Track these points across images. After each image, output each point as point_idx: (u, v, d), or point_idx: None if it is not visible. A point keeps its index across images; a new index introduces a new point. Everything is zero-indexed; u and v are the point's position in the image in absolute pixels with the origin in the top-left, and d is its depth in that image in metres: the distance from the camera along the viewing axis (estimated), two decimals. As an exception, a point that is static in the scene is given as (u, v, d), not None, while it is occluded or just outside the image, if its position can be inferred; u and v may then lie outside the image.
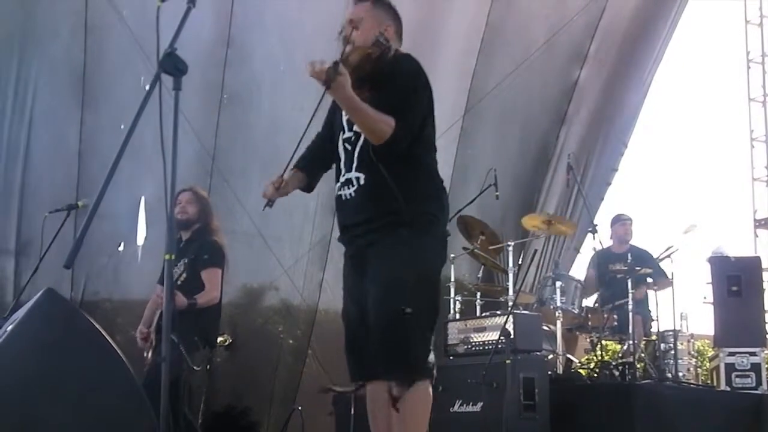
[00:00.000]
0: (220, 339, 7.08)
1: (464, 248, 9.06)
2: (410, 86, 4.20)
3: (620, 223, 10.24)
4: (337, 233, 4.51)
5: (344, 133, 4.34)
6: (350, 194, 4.25)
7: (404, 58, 4.31)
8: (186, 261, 6.72)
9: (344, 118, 4.33)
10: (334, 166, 4.46)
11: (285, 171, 4.41)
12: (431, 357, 4.12)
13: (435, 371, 4.15)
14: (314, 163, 4.55)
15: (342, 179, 4.31)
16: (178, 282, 6.57)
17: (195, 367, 6.30)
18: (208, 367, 6.65)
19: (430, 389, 4.15)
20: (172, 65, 3.43)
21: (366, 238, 4.20)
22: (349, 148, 4.28)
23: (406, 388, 3.98)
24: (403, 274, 4.02)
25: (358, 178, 4.21)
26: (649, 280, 9.37)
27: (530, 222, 9.24)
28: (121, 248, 9.80)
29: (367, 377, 4.20)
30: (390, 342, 3.96)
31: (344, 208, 4.34)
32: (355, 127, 4.24)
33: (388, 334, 3.96)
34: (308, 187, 4.61)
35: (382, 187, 4.09)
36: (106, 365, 3.76)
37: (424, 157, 4.28)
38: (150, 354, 6.57)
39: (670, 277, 9.25)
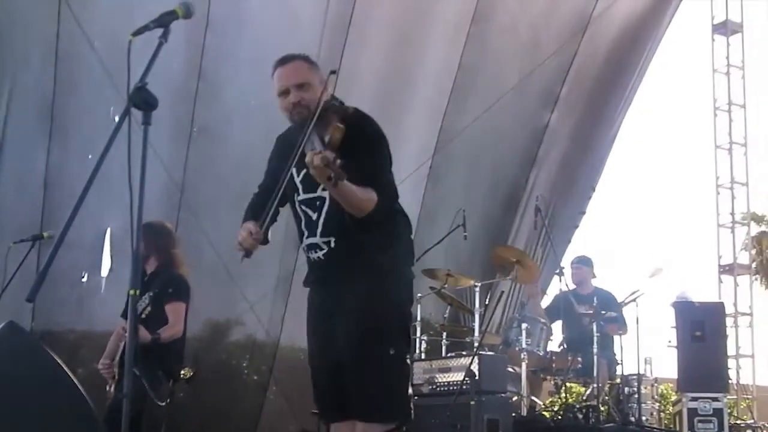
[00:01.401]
0: (182, 372, 7.01)
1: (431, 288, 9.05)
2: (377, 152, 4.17)
3: (571, 266, 10.13)
4: (299, 266, 4.49)
5: (299, 194, 4.25)
6: (320, 257, 4.21)
7: (365, 121, 4.22)
8: (150, 295, 6.65)
9: (298, 179, 4.23)
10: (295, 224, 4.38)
11: (264, 222, 4.28)
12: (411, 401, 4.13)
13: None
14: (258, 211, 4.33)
15: (307, 242, 4.25)
16: (143, 315, 6.48)
17: (159, 402, 6.23)
18: (169, 401, 6.57)
19: None
20: (142, 100, 3.42)
21: (338, 287, 4.17)
22: (311, 211, 4.22)
23: (386, 430, 3.97)
24: (382, 318, 4.03)
25: (327, 242, 4.17)
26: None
27: (501, 254, 9.23)
28: (84, 279, 9.73)
29: (340, 417, 4.16)
30: (381, 385, 3.97)
31: (315, 269, 4.29)
32: (319, 191, 4.16)
33: (378, 378, 3.96)
34: (265, 241, 4.53)
35: (355, 247, 4.09)
36: (67, 400, 3.71)
37: (393, 213, 4.26)
38: (112, 388, 6.49)
39: (626, 325, 9.32)
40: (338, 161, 3.64)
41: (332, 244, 4.16)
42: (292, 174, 4.22)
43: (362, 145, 4.06)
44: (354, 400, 4.02)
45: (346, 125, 3.95)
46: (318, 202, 4.20)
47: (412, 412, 4.19)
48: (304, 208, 4.25)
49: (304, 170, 4.04)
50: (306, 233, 4.26)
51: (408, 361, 4.23)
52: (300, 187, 4.25)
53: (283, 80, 4.19)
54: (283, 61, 4.26)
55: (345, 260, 4.14)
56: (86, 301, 9.76)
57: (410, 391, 4.22)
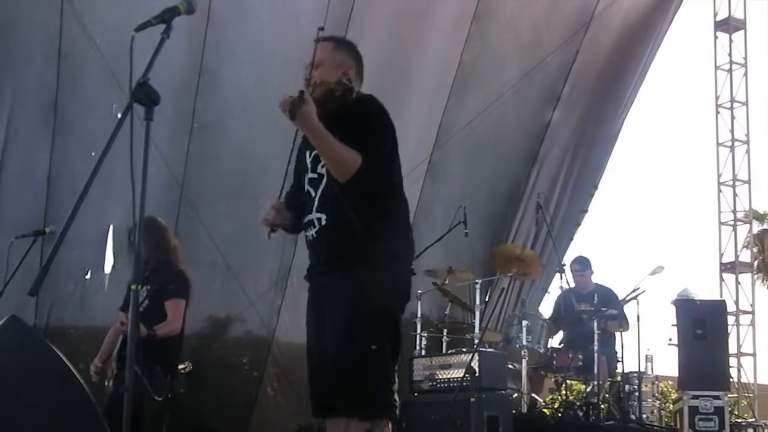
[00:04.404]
0: (180, 366, 7.01)
1: (433, 283, 9.06)
2: (375, 124, 4.20)
3: (572, 272, 10.05)
4: (297, 262, 4.51)
5: (308, 173, 4.32)
6: (312, 235, 4.24)
7: (367, 98, 4.30)
8: (149, 288, 6.64)
9: (308, 159, 4.32)
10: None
11: (281, 194, 4.37)
12: (395, 395, 4.11)
13: (398, 410, 4.13)
14: (295, 210, 4.43)
15: (305, 221, 4.30)
16: (140, 309, 6.47)
17: (157, 397, 6.24)
18: (169, 395, 6.57)
19: (390, 427, 4.14)
20: (145, 96, 3.42)
21: (327, 276, 4.20)
22: (312, 189, 4.27)
23: (368, 426, 3.97)
24: (364, 313, 4.01)
25: (319, 219, 4.20)
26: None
27: (503, 253, 9.24)
28: (88, 276, 9.74)
29: (327, 414, 4.17)
30: (353, 379, 3.96)
31: (309, 249, 4.34)
32: (319, 168, 4.24)
33: (351, 371, 3.96)
34: (293, 229, 4.49)
35: (342, 226, 4.11)
36: (68, 394, 3.72)
37: (389, 200, 4.26)
38: (111, 383, 6.50)
39: (628, 322, 9.32)
40: (301, 97, 3.81)
41: (323, 221, 4.19)
42: (305, 155, 4.35)
43: (358, 119, 4.15)
44: (333, 395, 4.03)
45: (343, 101, 4.14)
46: (318, 180, 4.25)
47: (396, 408, 4.13)
48: (308, 187, 4.30)
49: (315, 150, 4.18)
50: (306, 211, 4.30)
51: (389, 357, 4.17)
52: (309, 166, 4.32)
53: (309, 57, 4.34)
54: (316, 39, 4.40)
55: (334, 242, 4.16)
56: (89, 298, 9.77)
57: (394, 387, 4.14)
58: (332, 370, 4.02)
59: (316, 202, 4.23)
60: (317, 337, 4.21)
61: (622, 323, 9.40)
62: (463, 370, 7.28)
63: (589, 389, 9.01)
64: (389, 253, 4.18)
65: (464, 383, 7.18)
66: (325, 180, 4.20)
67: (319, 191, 4.23)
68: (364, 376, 3.98)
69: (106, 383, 6.58)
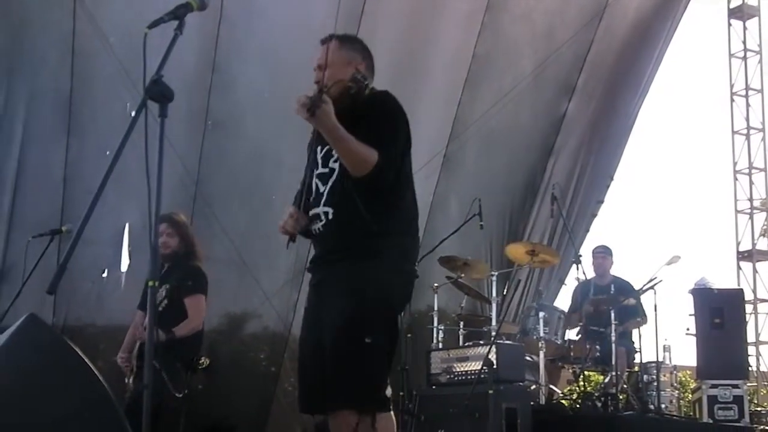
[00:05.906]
0: (198, 362, 7.03)
1: (448, 277, 9.05)
2: (390, 121, 4.19)
3: (594, 256, 10.14)
4: (311, 257, 4.49)
5: (318, 168, 4.30)
6: (319, 228, 4.24)
7: (383, 94, 4.29)
8: (168, 287, 6.66)
9: (320, 155, 4.30)
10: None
11: (301, 202, 4.30)
12: (388, 389, 4.10)
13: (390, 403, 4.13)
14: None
15: (311, 213, 4.28)
16: (159, 308, 6.48)
17: (177, 394, 6.26)
18: (186, 391, 6.59)
19: (393, 419, 4.14)
20: (159, 92, 3.42)
21: (330, 269, 4.21)
22: (321, 183, 4.26)
23: (369, 419, 3.96)
24: (365, 305, 4.00)
25: (326, 213, 4.20)
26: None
27: (514, 251, 9.24)
28: (105, 274, 9.77)
29: (321, 408, 4.15)
30: (350, 372, 3.95)
31: (315, 242, 4.36)
32: (331, 163, 4.22)
33: (349, 364, 3.95)
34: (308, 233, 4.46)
35: (350, 221, 4.10)
36: (88, 392, 3.73)
37: (400, 193, 4.25)
38: (131, 381, 6.52)
39: (646, 315, 9.29)
40: (321, 96, 3.82)
41: (330, 216, 4.19)
42: (315, 151, 4.33)
43: (374, 116, 4.14)
44: (329, 388, 4.01)
45: (358, 98, 4.13)
46: (328, 175, 4.24)
47: (389, 403, 4.12)
48: (317, 181, 4.29)
49: (326, 147, 4.18)
50: (312, 205, 4.29)
51: (387, 353, 4.16)
52: (320, 162, 4.30)
53: (316, 59, 4.35)
54: (322, 41, 4.40)
55: (340, 236, 4.16)
56: (106, 296, 9.80)
57: (388, 381, 4.14)
58: (329, 364, 4.00)
59: (324, 196, 4.22)
60: (313, 329, 4.22)
61: (639, 317, 9.37)
62: (481, 363, 7.27)
63: (607, 380, 9.01)
64: (396, 249, 4.17)
65: (482, 375, 7.17)
66: (336, 174, 4.19)
67: (329, 185, 4.22)
68: (362, 369, 3.97)
69: (126, 380, 6.61)
